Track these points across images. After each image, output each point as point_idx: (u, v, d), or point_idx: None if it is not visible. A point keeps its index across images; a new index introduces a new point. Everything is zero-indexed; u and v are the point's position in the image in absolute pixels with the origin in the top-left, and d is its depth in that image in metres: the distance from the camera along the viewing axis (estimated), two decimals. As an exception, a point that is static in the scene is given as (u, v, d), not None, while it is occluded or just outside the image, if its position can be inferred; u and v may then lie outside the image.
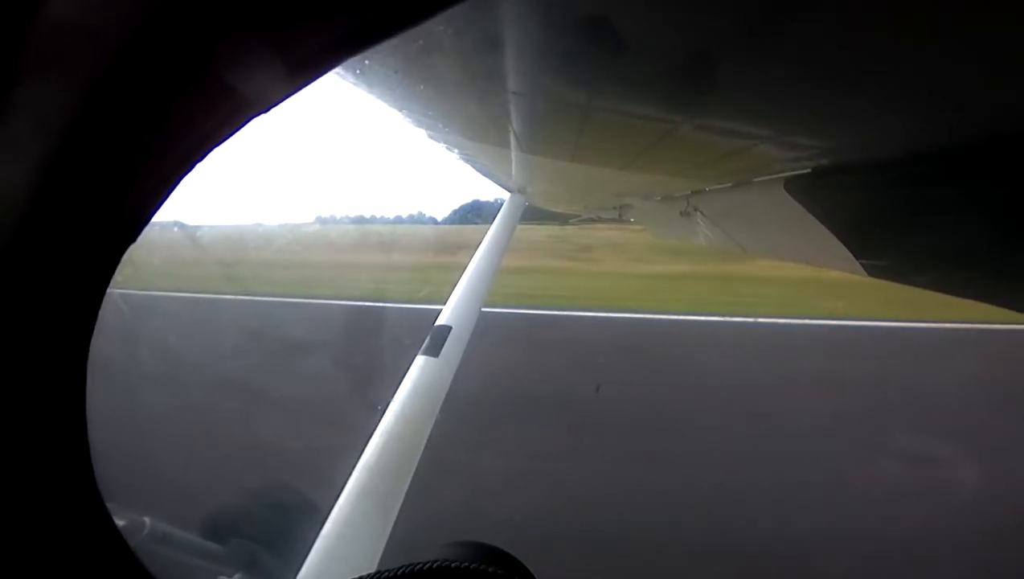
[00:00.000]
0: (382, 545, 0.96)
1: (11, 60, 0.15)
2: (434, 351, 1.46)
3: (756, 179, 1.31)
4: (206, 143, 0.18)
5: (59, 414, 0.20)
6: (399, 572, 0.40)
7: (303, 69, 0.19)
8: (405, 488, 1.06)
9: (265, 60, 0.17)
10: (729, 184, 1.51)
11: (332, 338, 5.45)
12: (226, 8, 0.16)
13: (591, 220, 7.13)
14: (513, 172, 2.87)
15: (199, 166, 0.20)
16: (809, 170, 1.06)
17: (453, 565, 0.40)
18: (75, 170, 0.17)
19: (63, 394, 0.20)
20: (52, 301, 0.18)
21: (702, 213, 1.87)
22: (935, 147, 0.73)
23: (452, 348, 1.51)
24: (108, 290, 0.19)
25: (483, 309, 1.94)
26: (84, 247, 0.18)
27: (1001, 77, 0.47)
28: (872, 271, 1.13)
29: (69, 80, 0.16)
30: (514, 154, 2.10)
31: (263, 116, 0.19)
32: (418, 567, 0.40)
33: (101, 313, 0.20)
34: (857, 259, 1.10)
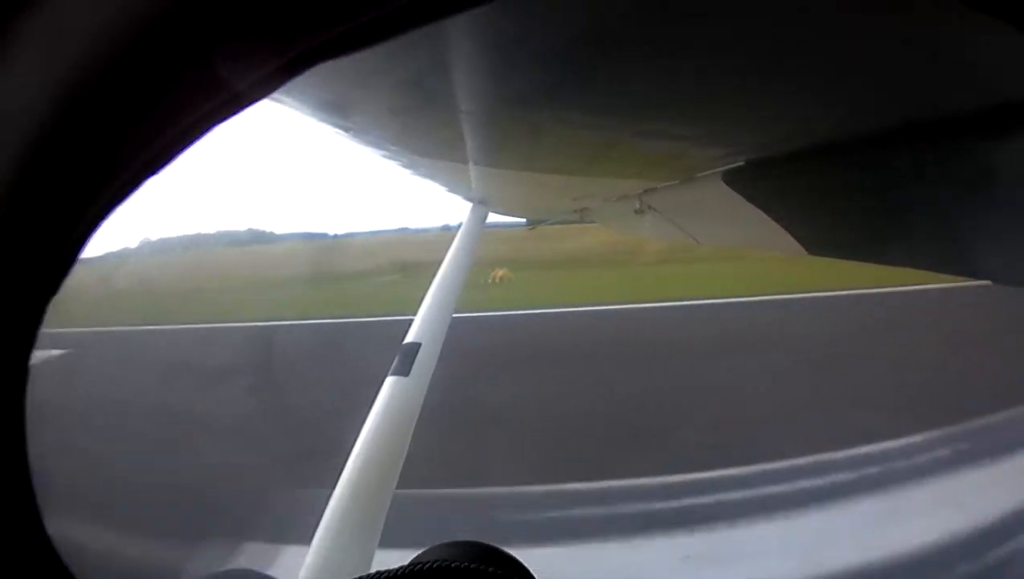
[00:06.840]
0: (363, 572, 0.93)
1: None
2: (404, 370, 1.43)
3: (698, 175, 1.38)
4: (177, 143, 0.18)
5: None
6: (398, 572, 0.39)
7: (289, 66, 0.19)
8: (384, 515, 1.03)
9: (253, 59, 0.17)
10: (676, 181, 1.58)
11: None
12: (214, 8, 0.16)
13: (557, 223, 7.19)
14: (472, 184, 2.88)
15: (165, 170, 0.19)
16: (743, 162, 1.14)
17: (453, 565, 0.40)
18: (49, 165, 0.17)
19: (2, 405, 0.19)
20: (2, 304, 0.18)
21: (655, 209, 1.95)
22: (853, 134, 0.80)
23: (423, 366, 1.48)
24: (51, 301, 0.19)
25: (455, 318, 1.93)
26: (41, 245, 0.18)
27: (915, 66, 0.50)
28: (810, 249, 1.21)
29: (52, 77, 0.16)
30: (471, 168, 2.11)
31: (234, 116, 0.19)
32: (417, 567, 0.39)
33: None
34: (795, 239, 1.18)
